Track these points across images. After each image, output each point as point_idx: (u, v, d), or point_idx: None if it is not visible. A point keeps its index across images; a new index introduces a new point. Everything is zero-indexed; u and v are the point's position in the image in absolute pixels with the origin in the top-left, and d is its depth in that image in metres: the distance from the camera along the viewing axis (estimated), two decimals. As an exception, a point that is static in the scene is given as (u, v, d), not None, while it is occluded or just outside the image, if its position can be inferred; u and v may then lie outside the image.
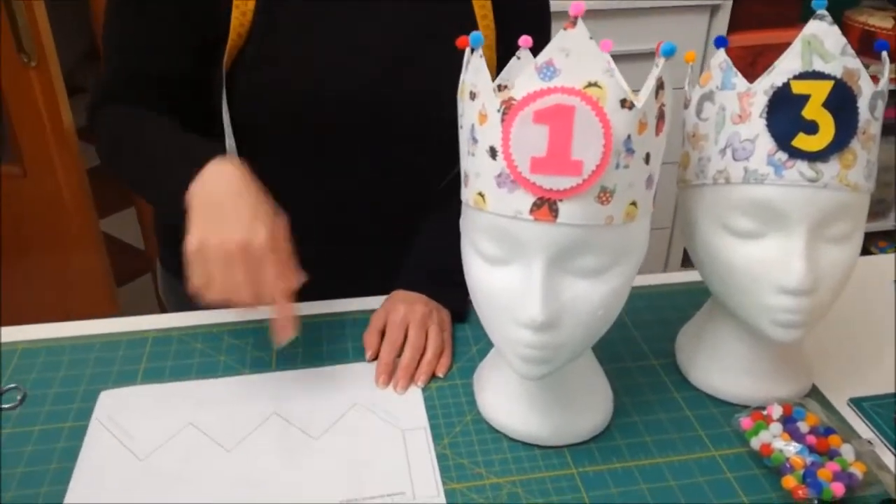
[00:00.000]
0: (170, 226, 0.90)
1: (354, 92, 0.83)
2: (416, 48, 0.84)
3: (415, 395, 0.77)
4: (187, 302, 0.96)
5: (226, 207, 0.66)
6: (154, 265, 1.05)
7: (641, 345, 0.84)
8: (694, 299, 0.87)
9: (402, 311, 0.82)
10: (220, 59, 0.80)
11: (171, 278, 1.02)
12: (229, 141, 0.85)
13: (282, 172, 0.88)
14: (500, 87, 0.58)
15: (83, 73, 3.18)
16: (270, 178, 0.88)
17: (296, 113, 0.83)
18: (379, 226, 0.93)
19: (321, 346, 0.84)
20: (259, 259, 0.64)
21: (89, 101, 0.87)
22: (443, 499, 0.65)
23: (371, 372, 0.79)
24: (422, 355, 0.80)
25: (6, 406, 0.75)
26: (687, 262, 2.17)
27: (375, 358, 0.80)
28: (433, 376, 0.79)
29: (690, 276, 0.97)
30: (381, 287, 0.90)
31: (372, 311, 0.86)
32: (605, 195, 0.56)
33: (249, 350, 0.83)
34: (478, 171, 0.59)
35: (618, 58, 0.57)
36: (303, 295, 0.90)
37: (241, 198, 0.67)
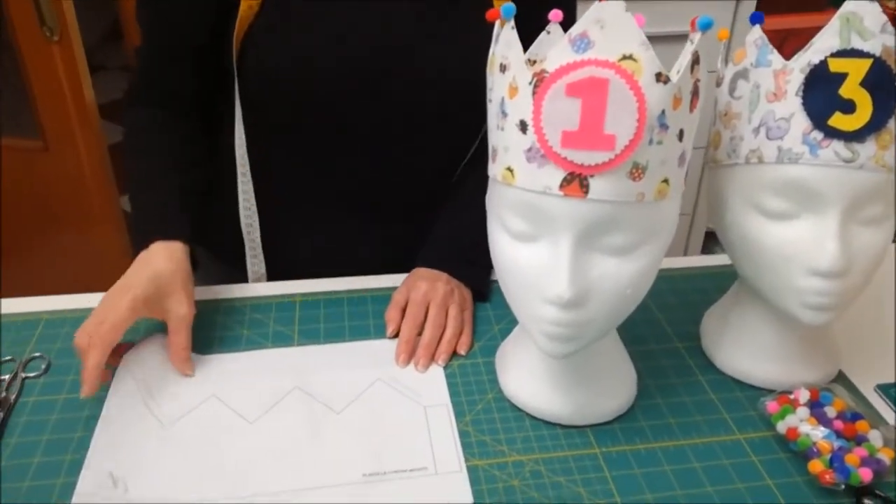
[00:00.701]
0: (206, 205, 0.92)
1: (365, 73, 0.82)
2: (433, 30, 0.82)
3: (437, 372, 0.76)
4: (218, 276, 0.98)
5: (149, 284, 0.73)
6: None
7: (665, 327, 0.83)
8: (718, 283, 0.86)
9: (424, 289, 0.82)
10: (232, 31, 0.80)
11: (203, 252, 1.03)
12: (238, 127, 0.86)
13: (292, 155, 0.88)
14: (529, 62, 0.57)
15: (105, 51, 3.19)
16: (280, 161, 0.88)
17: (304, 91, 0.82)
18: (388, 206, 0.93)
19: (342, 321, 0.84)
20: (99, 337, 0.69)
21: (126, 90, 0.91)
22: (465, 474, 0.65)
23: (393, 349, 0.79)
24: (442, 334, 0.79)
25: (31, 374, 0.75)
26: (707, 249, 2.15)
27: (396, 334, 0.80)
28: (454, 354, 0.78)
29: (714, 259, 0.96)
30: (394, 263, 0.90)
31: (393, 289, 0.86)
32: (637, 171, 0.55)
33: (272, 325, 0.83)
34: (507, 146, 0.59)
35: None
36: (317, 270, 0.91)
37: (153, 281, 0.74)
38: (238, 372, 0.76)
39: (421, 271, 0.85)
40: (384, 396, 0.73)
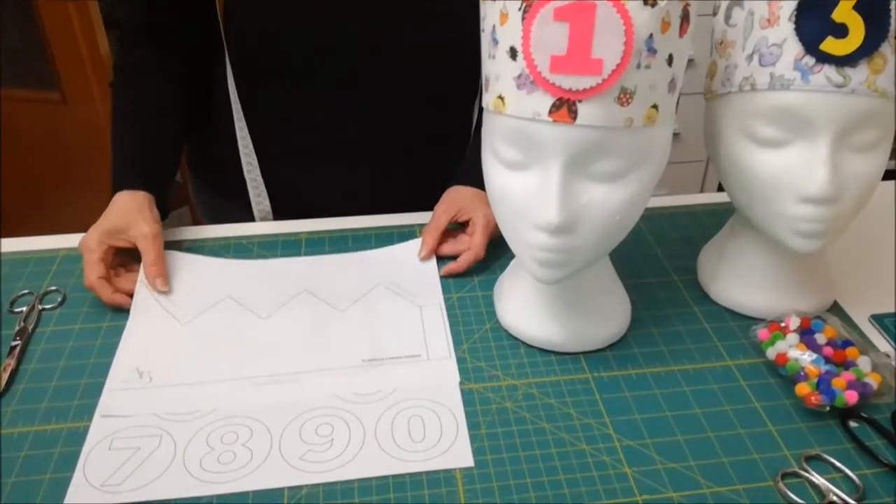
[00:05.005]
0: (197, 134, 0.96)
1: (348, 18, 0.83)
2: None
3: (432, 277, 0.82)
4: (214, 205, 1.00)
5: (110, 220, 0.81)
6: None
7: (663, 262, 0.84)
8: (719, 220, 0.87)
9: (470, 196, 0.87)
10: None
11: (197, 182, 1.06)
12: (229, 74, 0.88)
13: (286, 99, 0.90)
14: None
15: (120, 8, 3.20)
16: (274, 104, 0.90)
17: (291, 40, 0.83)
18: (385, 149, 0.94)
19: (347, 246, 0.87)
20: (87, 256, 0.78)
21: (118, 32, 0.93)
22: (454, 360, 0.71)
23: (391, 257, 0.85)
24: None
25: (48, 307, 0.79)
26: (720, 197, 2.13)
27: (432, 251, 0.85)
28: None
29: (716, 197, 0.97)
30: (391, 205, 0.93)
31: (397, 228, 0.88)
32: (625, 96, 0.56)
33: (279, 253, 0.85)
34: (498, 74, 0.59)
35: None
36: (322, 208, 0.93)
37: (115, 217, 0.81)
38: (251, 276, 0.82)
39: (464, 189, 0.88)
40: (384, 298, 0.79)
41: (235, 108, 0.90)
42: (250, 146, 0.92)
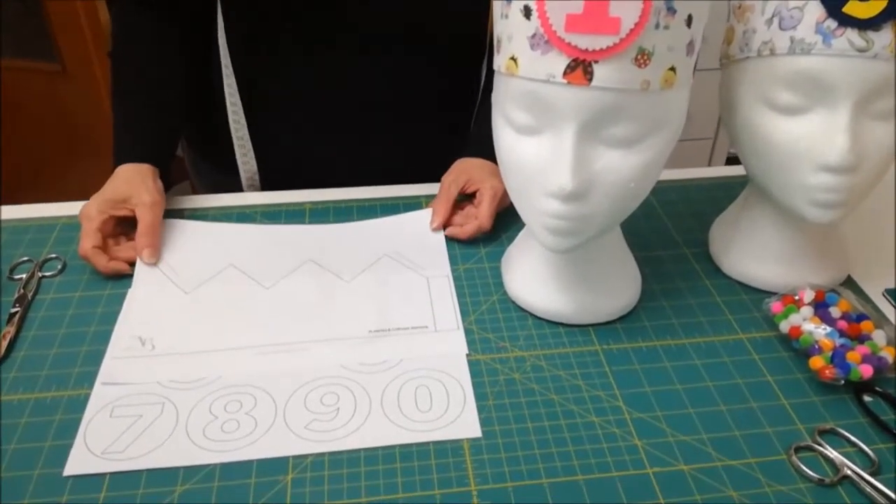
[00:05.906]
0: (194, 104, 0.93)
1: None
2: None
3: (440, 247, 0.80)
4: (210, 177, 0.98)
5: (113, 189, 0.80)
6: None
7: (674, 235, 0.83)
8: (730, 193, 0.85)
9: (478, 165, 0.85)
10: None
11: (194, 154, 1.05)
12: (220, 27, 0.86)
13: (279, 59, 0.88)
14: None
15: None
16: (269, 65, 0.88)
17: None
18: (378, 117, 0.92)
19: (352, 217, 0.85)
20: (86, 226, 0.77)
21: None
22: (462, 331, 0.70)
23: (397, 227, 0.83)
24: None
25: (48, 274, 0.77)
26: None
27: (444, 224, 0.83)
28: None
29: (727, 170, 0.95)
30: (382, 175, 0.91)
31: (402, 199, 0.87)
32: (642, 57, 0.54)
33: (283, 223, 0.84)
34: (510, 34, 0.57)
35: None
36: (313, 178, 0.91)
37: (118, 186, 0.80)
38: (254, 244, 0.81)
39: (472, 159, 0.86)
40: (390, 269, 0.78)
41: (224, 63, 0.88)
42: (238, 104, 0.90)
